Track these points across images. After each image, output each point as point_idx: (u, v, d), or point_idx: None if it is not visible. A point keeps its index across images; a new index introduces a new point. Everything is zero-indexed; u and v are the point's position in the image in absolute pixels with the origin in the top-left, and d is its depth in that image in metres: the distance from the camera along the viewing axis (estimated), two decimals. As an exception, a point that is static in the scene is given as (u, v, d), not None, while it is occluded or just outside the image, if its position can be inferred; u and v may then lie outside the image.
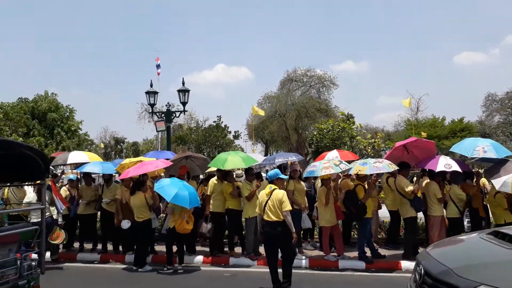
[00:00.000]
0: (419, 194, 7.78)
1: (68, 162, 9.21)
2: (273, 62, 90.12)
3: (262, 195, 6.03)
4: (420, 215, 8.00)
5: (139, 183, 7.64)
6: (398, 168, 7.41)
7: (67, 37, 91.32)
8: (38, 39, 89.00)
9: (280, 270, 5.85)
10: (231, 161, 7.84)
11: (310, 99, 26.41)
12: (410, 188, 7.31)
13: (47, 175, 4.65)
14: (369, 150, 18.31)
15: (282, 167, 9.23)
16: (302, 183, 8.28)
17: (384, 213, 8.98)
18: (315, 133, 22.86)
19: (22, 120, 29.25)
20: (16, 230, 4.19)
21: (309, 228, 8.53)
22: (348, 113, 27.86)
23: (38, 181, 5.00)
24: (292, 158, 8.93)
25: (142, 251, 7.53)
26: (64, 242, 8.04)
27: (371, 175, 8.12)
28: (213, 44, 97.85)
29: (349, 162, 8.28)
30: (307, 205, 8.22)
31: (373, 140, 19.19)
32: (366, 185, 7.61)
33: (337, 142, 19.79)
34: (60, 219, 8.06)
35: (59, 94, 39.62)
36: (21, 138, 25.99)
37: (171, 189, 6.95)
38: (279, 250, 5.82)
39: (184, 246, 7.68)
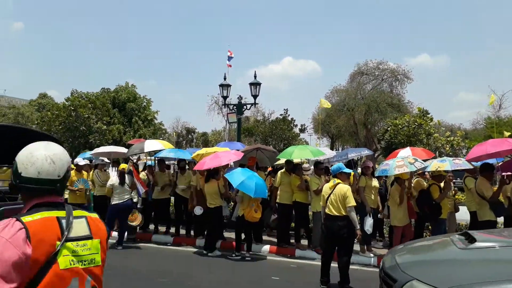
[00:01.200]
0: (501, 198, 7.17)
1: (144, 151, 9.84)
2: (342, 55, 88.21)
3: (325, 188, 6.00)
4: (500, 219, 7.36)
5: (214, 172, 7.94)
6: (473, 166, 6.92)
7: (146, 31, 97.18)
8: (120, 35, 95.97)
9: (333, 265, 5.77)
10: (299, 152, 7.95)
11: (381, 93, 25.40)
12: (490, 193, 6.76)
13: None
14: (447, 148, 17.17)
15: (352, 163, 9.04)
16: (375, 180, 8.03)
17: (462, 216, 8.40)
18: (387, 128, 21.93)
19: (106, 109, 31.43)
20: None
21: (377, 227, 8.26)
22: (423, 109, 26.30)
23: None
24: (365, 152, 8.72)
25: (212, 236, 7.86)
26: (141, 225, 8.67)
27: (447, 174, 7.64)
28: (281, 37, 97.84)
29: (424, 160, 7.85)
30: (379, 204, 7.95)
31: (452, 138, 17.95)
32: (441, 185, 7.18)
33: (413, 139, 18.83)
34: (139, 204, 8.70)
35: (137, 86, 42.22)
36: (104, 126, 27.85)
37: (239, 176, 7.17)
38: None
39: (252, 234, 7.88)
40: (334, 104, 24.19)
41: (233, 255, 7.49)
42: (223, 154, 8.08)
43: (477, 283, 2.75)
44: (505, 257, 3.20)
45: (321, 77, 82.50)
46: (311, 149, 8.43)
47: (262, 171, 9.53)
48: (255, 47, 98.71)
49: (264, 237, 8.79)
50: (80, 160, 9.47)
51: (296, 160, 8.80)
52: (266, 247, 8.05)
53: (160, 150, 9.67)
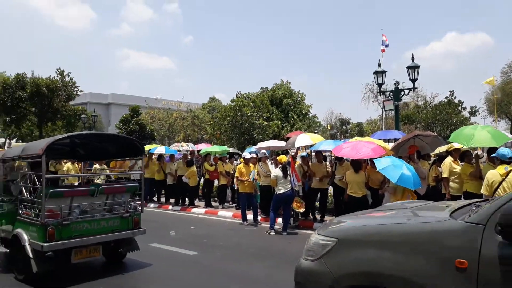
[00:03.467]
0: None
1: (296, 146, 10.34)
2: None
3: (494, 174, 5.38)
4: None
5: (360, 163, 8.26)
6: None
7: (292, 26, 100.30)
8: (270, 35, 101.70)
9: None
10: (478, 137, 6.78)
11: None
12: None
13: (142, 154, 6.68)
14: None
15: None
16: None
17: None
18: None
19: (265, 106, 33.42)
20: (124, 185, 6.34)
21: None
22: None
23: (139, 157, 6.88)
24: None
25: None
26: (302, 211, 9.19)
27: None
28: (442, 11, 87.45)
29: None
30: None
31: None
32: None
33: None
34: (300, 191, 9.29)
35: (292, 82, 44.01)
36: (265, 122, 29.67)
37: (395, 170, 6.88)
38: None
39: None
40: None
41: None
42: (361, 147, 8.11)
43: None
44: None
45: (494, 50, 70.58)
46: (492, 131, 7.14)
47: (426, 160, 8.93)
48: (411, 26, 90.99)
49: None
50: (247, 154, 10.58)
51: (458, 146, 7.90)
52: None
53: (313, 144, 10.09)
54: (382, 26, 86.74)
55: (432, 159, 9.29)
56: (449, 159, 7.74)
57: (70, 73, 30.29)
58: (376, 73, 13.11)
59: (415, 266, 2.74)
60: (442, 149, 8.85)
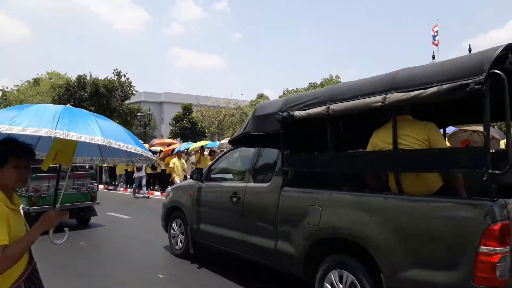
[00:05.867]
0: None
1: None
2: None
3: None
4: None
5: None
6: None
7: (338, 18, 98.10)
8: (316, 29, 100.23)
9: None
10: None
11: None
12: None
13: None
14: None
15: None
16: None
17: None
18: None
19: None
20: (84, 172, 8.92)
21: None
22: None
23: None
24: None
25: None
26: None
27: None
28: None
29: None
30: None
31: None
32: None
33: None
34: None
35: (341, 76, 42.86)
36: None
37: None
38: None
39: None
40: None
41: None
42: None
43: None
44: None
45: None
46: None
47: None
48: (468, 12, 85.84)
49: None
50: None
51: None
52: None
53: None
54: (438, 14, 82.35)
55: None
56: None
57: (126, 73, 31.73)
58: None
59: None
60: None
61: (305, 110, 3.69)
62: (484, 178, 2.54)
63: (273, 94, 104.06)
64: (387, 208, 3.11)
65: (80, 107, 23.24)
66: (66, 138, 1.92)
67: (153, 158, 2.64)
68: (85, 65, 77.89)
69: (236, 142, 4.90)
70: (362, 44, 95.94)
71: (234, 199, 4.75)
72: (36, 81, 40.99)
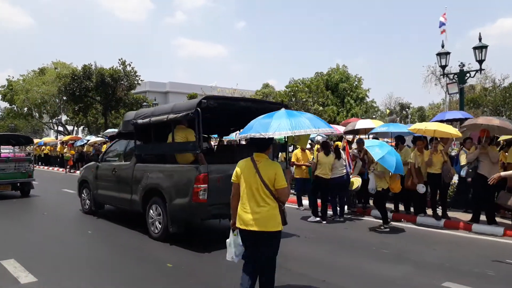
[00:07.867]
0: None
1: (355, 128, 10.58)
2: None
3: None
4: None
5: (328, 146, 8.73)
6: None
7: (347, 7, 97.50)
8: (327, 18, 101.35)
9: None
10: None
11: None
12: None
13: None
14: None
15: None
16: None
17: None
18: None
19: (321, 91, 32.26)
20: (23, 157, 12.58)
21: None
22: None
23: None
24: None
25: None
26: (359, 187, 8.86)
27: None
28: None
29: None
30: None
31: None
32: None
33: None
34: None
35: (348, 65, 42.19)
36: (320, 107, 28.99)
37: (379, 150, 7.28)
38: None
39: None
40: None
41: (381, 227, 7.77)
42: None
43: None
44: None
45: None
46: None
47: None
48: (476, 1, 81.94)
49: (498, 219, 7.88)
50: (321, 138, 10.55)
51: None
52: (500, 229, 7.31)
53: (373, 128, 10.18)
54: (446, 1, 79.92)
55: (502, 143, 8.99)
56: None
57: (131, 62, 30.45)
58: (439, 54, 12.27)
59: None
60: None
61: (142, 120, 7.05)
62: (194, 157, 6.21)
63: (279, 83, 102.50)
64: (167, 170, 6.56)
65: (86, 96, 29.27)
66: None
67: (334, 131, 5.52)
68: (89, 55, 76.68)
69: (116, 136, 8.61)
70: (369, 33, 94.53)
71: (114, 172, 7.92)
72: (42, 71, 41.58)
